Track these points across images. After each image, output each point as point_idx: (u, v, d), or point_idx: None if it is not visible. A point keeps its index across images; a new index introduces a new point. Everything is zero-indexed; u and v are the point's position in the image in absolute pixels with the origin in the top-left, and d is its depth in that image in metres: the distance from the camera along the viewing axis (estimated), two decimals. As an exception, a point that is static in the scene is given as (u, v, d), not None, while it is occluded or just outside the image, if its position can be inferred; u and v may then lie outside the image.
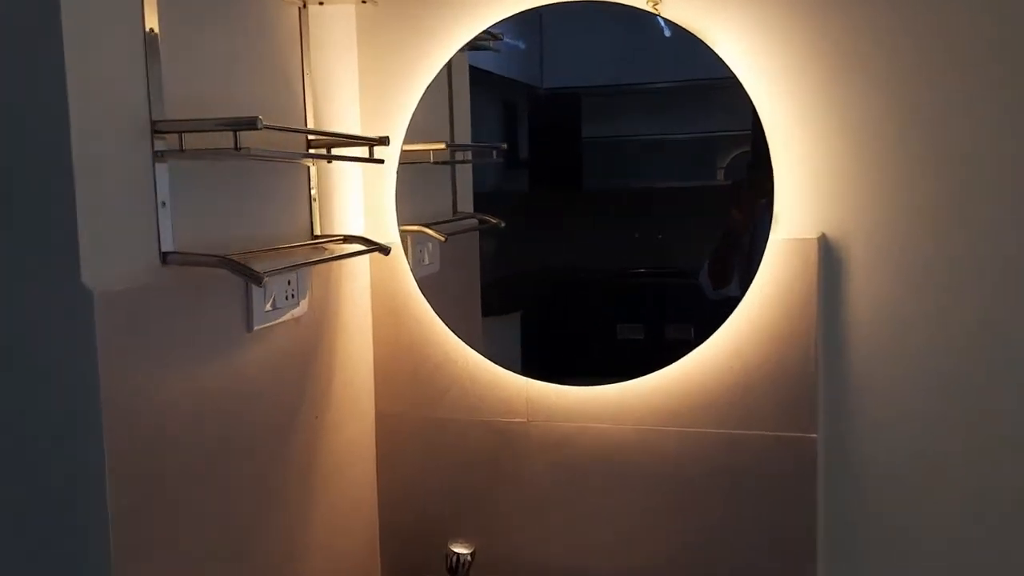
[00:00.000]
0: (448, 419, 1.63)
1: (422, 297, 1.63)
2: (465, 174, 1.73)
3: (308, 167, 1.41)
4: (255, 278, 1.03)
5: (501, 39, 1.61)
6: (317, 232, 1.45)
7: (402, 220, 1.63)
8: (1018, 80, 1.36)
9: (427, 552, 1.63)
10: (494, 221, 1.69)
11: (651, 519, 1.54)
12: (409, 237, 1.65)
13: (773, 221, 1.45)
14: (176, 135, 1.03)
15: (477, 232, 1.68)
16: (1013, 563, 1.45)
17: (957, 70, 1.37)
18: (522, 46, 1.61)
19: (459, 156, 1.70)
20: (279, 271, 1.21)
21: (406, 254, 1.63)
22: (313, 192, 1.43)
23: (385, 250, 1.46)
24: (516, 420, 1.60)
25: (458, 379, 1.62)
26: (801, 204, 1.45)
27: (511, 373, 1.59)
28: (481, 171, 1.71)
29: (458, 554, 1.52)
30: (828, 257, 1.46)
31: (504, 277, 1.71)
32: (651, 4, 1.44)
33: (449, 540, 1.55)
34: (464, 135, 1.67)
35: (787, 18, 1.42)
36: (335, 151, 1.39)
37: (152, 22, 1.02)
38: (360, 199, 1.62)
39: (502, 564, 1.59)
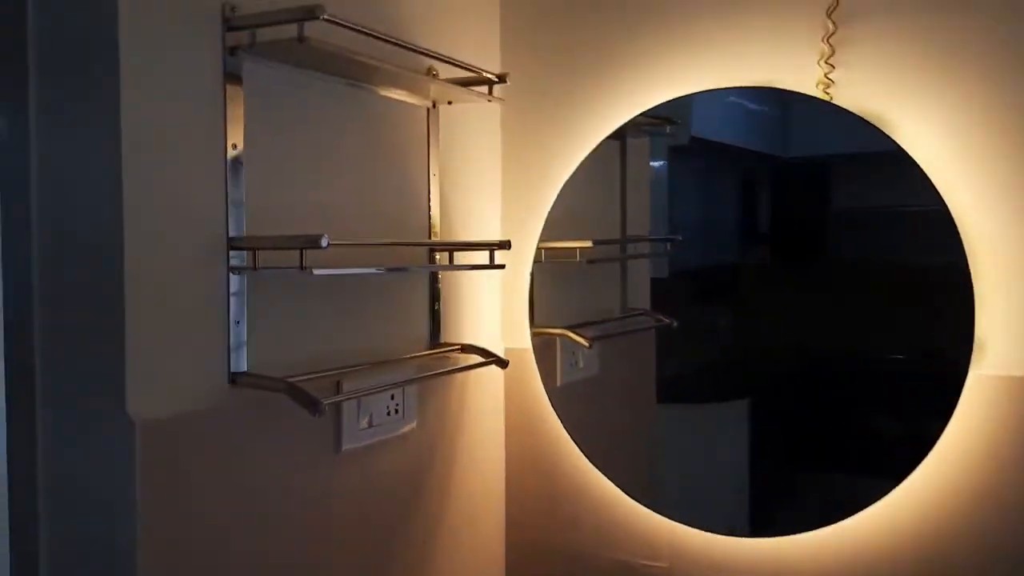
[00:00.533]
0: (583, 553, 1.44)
1: (554, 413, 1.47)
2: (639, 266, 1.57)
3: (428, 276, 1.33)
4: (313, 406, 0.94)
5: (677, 123, 1.46)
6: (443, 339, 1.36)
7: (544, 322, 1.50)
8: None
9: None
10: (666, 320, 1.51)
11: None
12: (557, 340, 1.51)
13: (975, 350, 1.14)
14: (251, 252, 0.98)
15: (653, 331, 1.50)
16: None
17: None
18: (763, 112, 1.44)
19: (631, 249, 1.55)
20: (358, 394, 1.12)
21: (553, 356, 1.48)
22: (437, 301, 1.34)
23: (502, 363, 1.33)
24: (658, 565, 1.38)
25: (593, 509, 1.43)
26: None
27: (652, 512, 1.38)
28: (713, 246, 1.50)
29: None
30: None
31: (725, 361, 1.49)
32: (821, 88, 1.22)
33: None
34: (640, 226, 1.52)
35: (985, 105, 1.13)
36: (460, 256, 1.30)
37: (236, 137, 0.99)
38: (496, 303, 1.51)
39: None
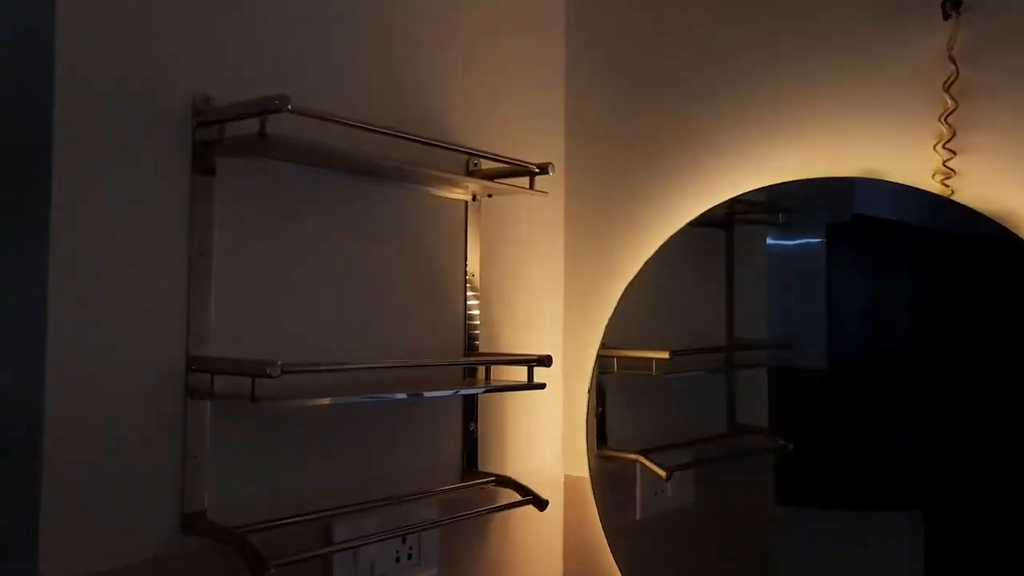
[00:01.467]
0: None
1: (613, 561, 1.23)
2: (753, 378, 1.32)
3: (467, 396, 1.15)
4: (258, 568, 0.78)
5: (791, 211, 1.23)
6: (481, 467, 1.17)
7: (619, 444, 1.29)
8: None
9: None
10: (780, 443, 1.26)
11: None
12: (636, 466, 1.29)
13: None
14: (208, 375, 0.84)
15: (771, 455, 1.26)
16: None
17: None
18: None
19: (745, 358, 1.31)
20: (350, 544, 0.95)
21: (632, 482, 1.27)
22: (473, 422, 1.16)
23: (540, 503, 1.11)
24: None
25: None
26: None
27: None
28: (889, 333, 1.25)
29: None
30: None
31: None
32: (939, 179, 0.96)
33: None
34: (756, 327, 1.29)
35: None
36: (497, 373, 1.12)
37: (204, 242, 0.87)
38: (557, 422, 1.31)
39: None
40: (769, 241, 1.28)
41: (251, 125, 0.82)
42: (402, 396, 1.00)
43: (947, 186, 0.96)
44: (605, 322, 1.27)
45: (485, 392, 1.15)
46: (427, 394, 1.04)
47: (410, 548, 1.06)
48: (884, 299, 1.21)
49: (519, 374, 1.13)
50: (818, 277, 1.23)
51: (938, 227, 1.12)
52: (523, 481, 1.15)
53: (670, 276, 1.28)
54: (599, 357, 1.30)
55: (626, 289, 1.26)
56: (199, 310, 0.86)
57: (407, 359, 1.05)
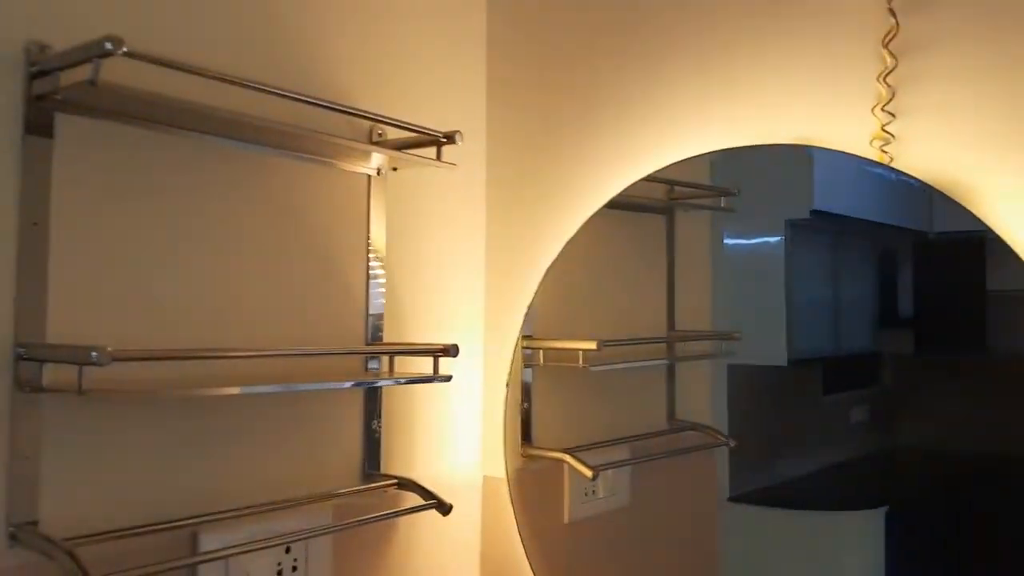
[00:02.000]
0: None
1: (534, 570, 1.13)
2: (696, 372, 1.23)
3: (370, 391, 1.04)
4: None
5: (737, 194, 1.15)
6: (384, 469, 1.06)
7: (544, 442, 1.19)
8: None
9: None
10: (722, 438, 1.18)
11: None
12: (565, 466, 1.19)
13: None
14: (38, 363, 0.73)
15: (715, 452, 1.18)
16: None
17: None
18: (902, 181, 1.14)
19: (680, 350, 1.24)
20: (214, 554, 0.83)
21: (559, 482, 1.17)
22: (376, 419, 1.05)
23: (443, 508, 1.00)
24: None
25: None
26: None
27: None
28: (849, 329, 1.24)
29: None
30: None
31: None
32: (877, 146, 0.87)
33: None
34: (700, 320, 1.21)
35: None
36: (405, 365, 1.02)
37: (39, 214, 0.75)
38: (475, 423, 1.20)
39: None
40: (727, 240, 1.21)
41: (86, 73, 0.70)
42: (269, 389, 0.89)
43: (885, 152, 0.87)
44: (523, 311, 1.17)
45: (374, 385, 1.04)
46: (301, 387, 0.92)
47: (295, 560, 0.94)
48: (844, 295, 1.18)
49: (423, 368, 1.02)
50: (777, 273, 1.18)
51: (897, 223, 1.08)
52: (436, 484, 1.04)
53: (601, 261, 1.19)
54: (524, 348, 1.20)
55: (551, 274, 1.16)
56: (31, 289, 0.75)
57: (286, 348, 0.94)
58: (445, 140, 0.99)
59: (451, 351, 0.98)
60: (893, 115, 0.86)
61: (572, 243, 1.15)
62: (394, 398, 1.08)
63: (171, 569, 0.79)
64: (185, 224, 0.87)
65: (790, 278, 1.20)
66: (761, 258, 1.21)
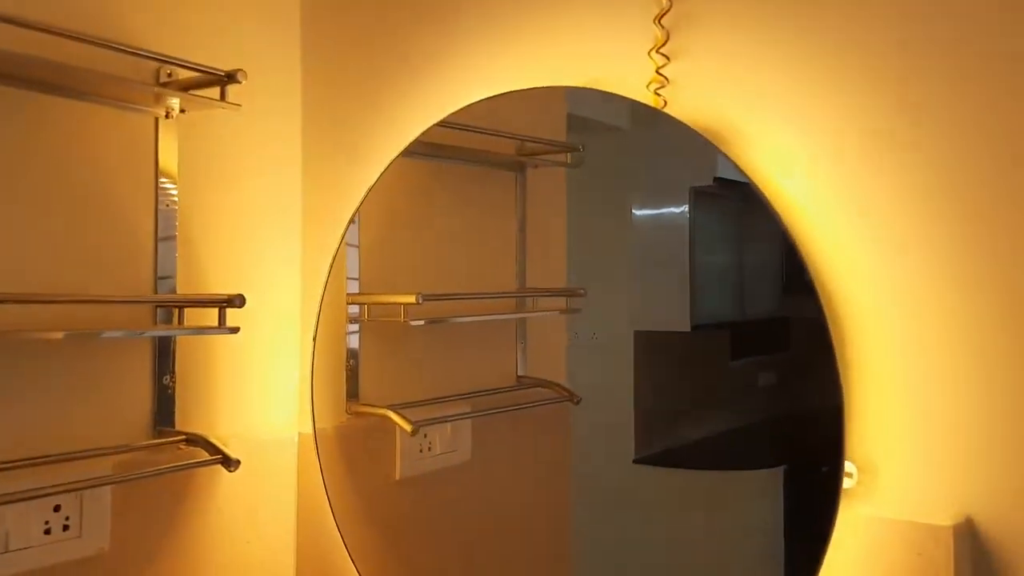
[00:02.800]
0: None
1: (336, 528, 1.11)
2: (543, 327, 1.22)
3: (154, 340, 1.00)
4: None
5: (581, 150, 1.14)
6: (179, 426, 1.02)
7: (369, 398, 1.17)
8: None
9: None
10: (567, 393, 1.17)
11: None
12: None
13: (849, 482, 0.76)
14: None
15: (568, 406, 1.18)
16: None
17: None
18: None
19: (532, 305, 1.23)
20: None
21: (392, 440, 1.15)
22: (168, 374, 1.01)
23: (229, 462, 0.97)
24: None
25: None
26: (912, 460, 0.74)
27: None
28: (752, 294, 1.24)
29: None
30: (977, 556, 0.72)
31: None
32: (652, 89, 0.86)
33: None
34: (554, 277, 1.20)
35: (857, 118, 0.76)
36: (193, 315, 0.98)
37: None
38: (290, 379, 1.17)
39: None
40: (634, 206, 1.19)
41: None
42: (46, 334, 0.85)
43: (660, 96, 0.86)
44: (330, 258, 1.14)
45: (156, 335, 1.00)
46: (78, 331, 0.88)
47: (66, 518, 0.90)
48: (748, 262, 1.19)
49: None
50: (681, 240, 1.19)
51: None
52: (245, 441, 1.02)
53: (443, 217, 1.18)
54: (350, 304, 1.17)
55: (375, 228, 1.13)
56: None
57: (65, 294, 0.89)
58: (228, 79, 0.95)
59: (236, 301, 0.94)
60: (668, 58, 0.85)
61: (400, 198, 1.13)
62: (192, 354, 1.04)
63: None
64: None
65: (694, 245, 1.21)
66: (665, 225, 1.22)
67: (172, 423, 1.02)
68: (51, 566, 0.89)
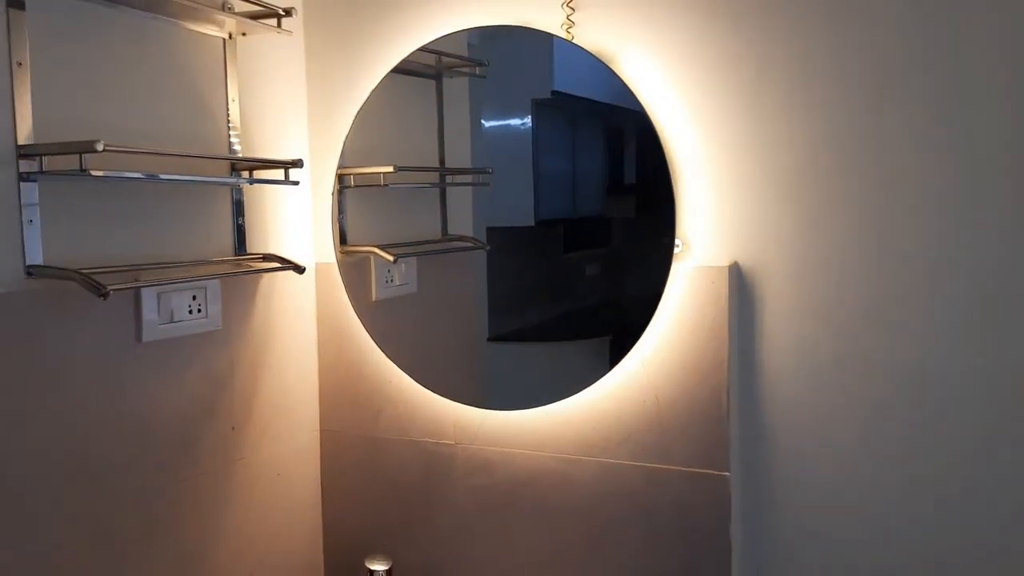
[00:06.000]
0: (385, 439, 1.65)
1: (360, 323, 1.66)
2: (462, 196, 1.72)
3: (231, 190, 1.48)
4: (99, 290, 1.10)
5: (487, 64, 1.64)
6: (248, 252, 1.52)
7: (356, 240, 1.67)
8: (936, 108, 1.24)
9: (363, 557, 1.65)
10: (480, 244, 1.68)
11: (567, 550, 1.49)
12: (370, 257, 1.69)
13: (681, 248, 1.38)
14: (38, 158, 1.12)
15: (484, 253, 1.65)
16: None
17: (874, 98, 1.27)
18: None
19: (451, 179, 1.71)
20: (153, 283, 1.28)
21: (367, 273, 1.66)
22: (241, 215, 1.50)
23: (299, 269, 1.50)
24: (445, 442, 1.59)
25: (393, 401, 1.64)
26: (710, 232, 1.38)
27: (441, 398, 1.59)
28: (584, 196, 1.59)
29: (372, 571, 1.52)
30: (740, 286, 1.37)
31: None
32: (564, 28, 1.42)
33: (367, 557, 1.56)
34: (462, 158, 1.67)
35: (698, 42, 1.36)
36: (259, 174, 1.46)
37: (21, 55, 1.12)
38: (307, 221, 1.68)
39: (423, 581, 1.59)
40: (486, 114, 1.62)
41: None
42: (191, 179, 1.33)
43: (571, 33, 1.42)
44: (342, 142, 1.64)
45: (241, 183, 1.48)
46: (197, 178, 1.39)
47: (199, 304, 1.40)
48: (580, 167, 1.56)
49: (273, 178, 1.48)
50: (526, 145, 1.57)
51: (622, 105, 1.44)
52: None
53: (394, 110, 1.65)
54: (340, 174, 1.67)
55: (358, 116, 1.63)
56: (21, 110, 1.12)
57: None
58: (284, 14, 1.42)
59: (298, 164, 1.45)
60: (573, 9, 1.41)
61: (372, 99, 1.61)
62: (252, 203, 1.53)
63: (130, 288, 1.23)
64: (111, 68, 1.26)
65: (536, 149, 1.56)
66: (514, 131, 1.62)
67: (245, 250, 1.52)
68: (193, 335, 1.40)
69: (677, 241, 1.38)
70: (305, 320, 1.67)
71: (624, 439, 1.43)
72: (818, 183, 1.31)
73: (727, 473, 1.36)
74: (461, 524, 1.58)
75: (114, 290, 1.12)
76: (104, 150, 1.07)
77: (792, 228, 1.33)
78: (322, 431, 1.70)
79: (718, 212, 1.37)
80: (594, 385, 1.45)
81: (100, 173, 1.10)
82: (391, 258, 1.68)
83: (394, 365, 1.63)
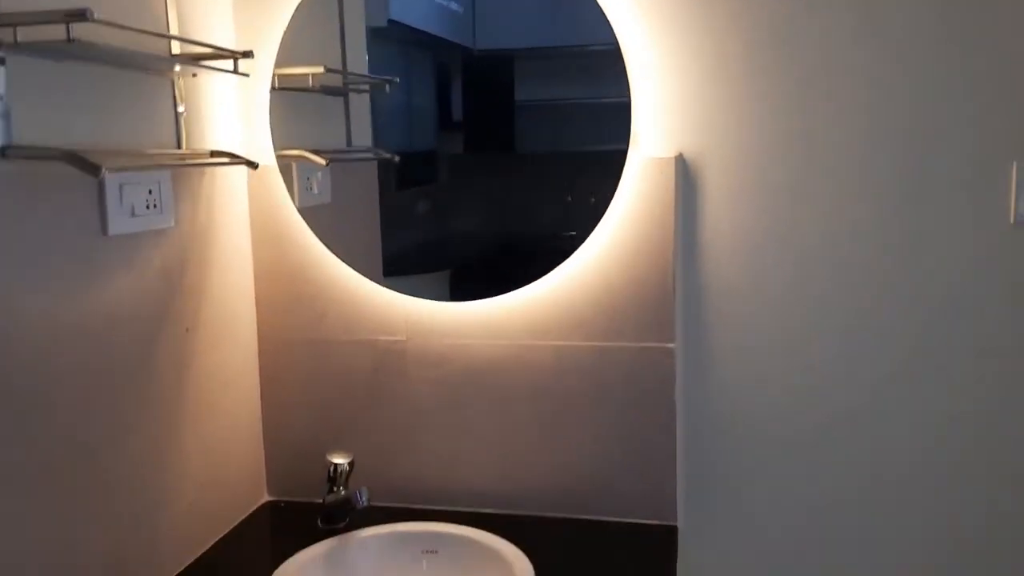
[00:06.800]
0: (330, 340, 1.66)
1: (302, 220, 1.64)
2: (362, 107, 1.71)
3: (172, 80, 1.41)
4: (93, 169, 1.04)
5: None
6: (189, 147, 1.46)
7: (283, 145, 1.64)
8: (875, 7, 1.43)
9: (310, 465, 1.67)
10: (388, 155, 1.68)
11: (524, 425, 1.60)
12: (293, 163, 1.66)
13: (632, 141, 1.50)
14: (11, 28, 1.03)
15: (376, 165, 1.67)
16: (858, 461, 1.55)
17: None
18: (456, 7, 1.58)
19: (352, 87, 1.68)
20: (126, 169, 1.22)
21: (291, 179, 1.64)
22: (180, 107, 1.43)
23: (252, 164, 1.47)
24: (396, 339, 1.64)
25: (338, 301, 1.65)
26: (659, 125, 1.51)
27: (392, 294, 1.62)
28: (416, 131, 1.67)
29: (336, 464, 1.55)
30: (685, 176, 1.52)
31: (434, 238, 1.70)
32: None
33: (328, 452, 1.59)
34: (359, 67, 1.65)
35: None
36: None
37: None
38: (237, 119, 1.63)
39: (380, 474, 1.64)
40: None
41: None
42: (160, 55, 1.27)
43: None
44: (279, 39, 1.59)
45: (208, 71, 1.42)
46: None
47: (155, 199, 1.35)
48: (414, 101, 1.58)
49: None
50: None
51: (451, 39, 1.48)
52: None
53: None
54: (276, 74, 1.61)
55: (296, 14, 1.59)
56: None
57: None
58: None
59: (249, 54, 1.40)
60: (525, -94, 1.46)
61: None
62: (190, 94, 1.47)
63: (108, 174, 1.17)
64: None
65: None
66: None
67: (186, 144, 1.45)
68: (150, 231, 1.34)
69: (633, 132, 1.50)
70: (242, 222, 1.64)
71: (578, 324, 1.55)
72: (754, 80, 1.47)
73: (672, 344, 1.52)
74: (414, 416, 1.64)
75: (109, 172, 1.07)
76: (94, 19, 1.01)
77: (729, 123, 1.49)
78: (260, 336, 1.69)
79: (665, 109, 1.50)
80: (550, 274, 1.55)
81: (98, 40, 1.03)
82: (324, 162, 1.68)
83: (340, 264, 1.64)
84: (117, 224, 1.25)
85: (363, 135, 1.72)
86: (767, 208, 1.50)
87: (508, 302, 1.58)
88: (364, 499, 1.47)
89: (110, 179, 1.23)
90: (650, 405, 1.54)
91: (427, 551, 1.50)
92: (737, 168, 1.50)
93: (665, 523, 1.55)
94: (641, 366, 1.53)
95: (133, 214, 1.29)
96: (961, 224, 1.46)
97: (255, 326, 1.68)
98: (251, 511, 1.67)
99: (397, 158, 1.67)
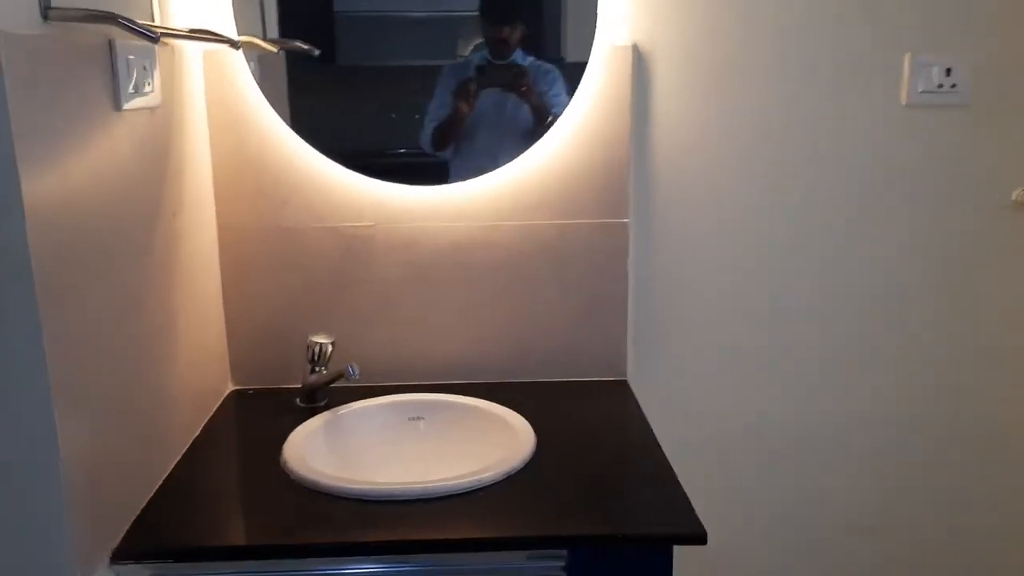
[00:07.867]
0: (295, 228, 1.68)
1: (266, 103, 1.63)
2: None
3: None
4: (151, 33, 1.03)
5: None
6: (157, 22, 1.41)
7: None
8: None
9: (273, 353, 1.71)
10: (306, 47, 1.68)
11: (491, 299, 1.73)
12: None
13: (595, 33, 1.63)
14: None
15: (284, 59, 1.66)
16: (790, 319, 1.83)
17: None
18: None
19: None
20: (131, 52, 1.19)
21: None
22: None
23: (235, 44, 1.45)
24: (364, 224, 1.69)
25: (302, 188, 1.67)
26: (617, 15, 1.65)
27: (359, 178, 1.66)
28: None
29: (320, 343, 1.61)
30: (639, 65, 1.68)
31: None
32: None
33: (308, 334, 1.63)
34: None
35: None
36: None
37: None
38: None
39: (358, 352, 1.71)
40: None
41: None
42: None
43: None
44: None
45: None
46: None
47: (148, 76, 1.31)
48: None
49: None
50: None
51: None
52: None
53: None
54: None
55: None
56: None
57: None
58: None
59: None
60: None
61: None
62: None
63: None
64: None
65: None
66: None
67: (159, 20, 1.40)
68: (146, 107, 1.30)
69: (597, 14, 1.62)
70: (201, 105, 1.60)
71: (540, 203, 1.69)
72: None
73: (626, 220, 1.70)
74: (383, 299, 1.72)
75: (163, 34, 1.05)
76: None
77: (672, 16, 1.65)
78: (220, 224, 1.67)
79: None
80: (516, 159, 1.66)
81: None
82: (275, 49, 1.67)
83: (306, 150, 1.65)
84: (126, 99, 1.22)
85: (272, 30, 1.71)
86: (710, 99, 1.70)
87: (477, 187, 1.68)
88: (356, 372, 1.55)
89: (122, 53, 1.19)
90: (606, 275, 1.72)
91: (413, 417, 1.61)
92: (685, 59, 1.68)
93: (618, 378, 1.76)
94: (599, 240, 1.70)
95: (135, 90, 1.25)
96: (861, 106, 1.73)
97: (214, 213, 1.66)
98: (221, 400, 1.69)
99: (317, 52, 1.67)
